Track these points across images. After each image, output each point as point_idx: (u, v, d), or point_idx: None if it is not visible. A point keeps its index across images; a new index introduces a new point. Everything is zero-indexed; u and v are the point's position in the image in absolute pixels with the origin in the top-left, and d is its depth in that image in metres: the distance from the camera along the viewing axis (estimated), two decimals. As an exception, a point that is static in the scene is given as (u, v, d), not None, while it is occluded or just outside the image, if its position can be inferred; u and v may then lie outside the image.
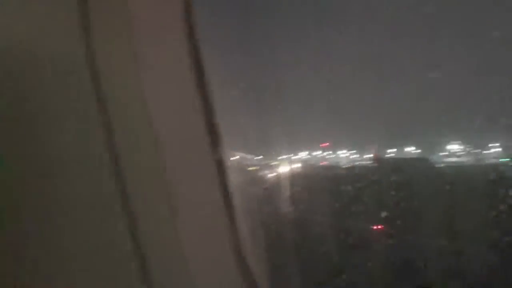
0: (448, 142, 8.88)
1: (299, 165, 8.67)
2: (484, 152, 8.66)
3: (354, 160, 8.71)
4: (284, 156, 8.06)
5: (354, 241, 5.85)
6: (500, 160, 8.18)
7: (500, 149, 8.56)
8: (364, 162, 8.12)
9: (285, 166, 8.02)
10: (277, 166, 8.04)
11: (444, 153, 8.95)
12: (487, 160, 8.39)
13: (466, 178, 6.90)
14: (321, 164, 8.82)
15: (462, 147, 8.95)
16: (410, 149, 9.32)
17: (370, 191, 6.94)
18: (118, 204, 1.17)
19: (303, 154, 8.93)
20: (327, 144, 9.06)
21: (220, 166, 1.35)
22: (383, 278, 5.21)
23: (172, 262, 1.25)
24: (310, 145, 8.83)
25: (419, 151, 9.34)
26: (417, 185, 6.68)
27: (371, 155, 7.96)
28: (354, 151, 8.64)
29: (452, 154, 8.90)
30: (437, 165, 7.93)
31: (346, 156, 8.84)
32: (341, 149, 8.94)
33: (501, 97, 7.99)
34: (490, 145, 8.51)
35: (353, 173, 8.13)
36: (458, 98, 8.49)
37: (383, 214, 6.14)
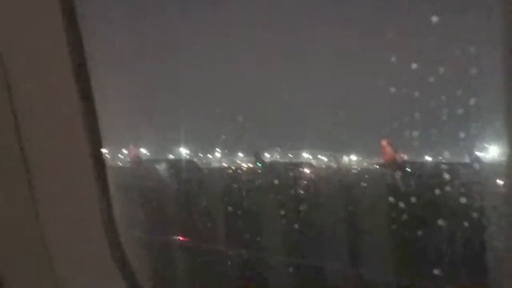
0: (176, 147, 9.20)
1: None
2: (209, 156, 9.55)
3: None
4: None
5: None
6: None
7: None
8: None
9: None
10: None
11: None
12: (214, 163, 9.28)
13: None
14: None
15: (188, 151, 9.50)
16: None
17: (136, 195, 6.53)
18: None
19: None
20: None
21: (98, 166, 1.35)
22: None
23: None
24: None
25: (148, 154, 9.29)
26: (190, 187, 6.79)
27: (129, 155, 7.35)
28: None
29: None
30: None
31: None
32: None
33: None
34: (216, 150, 9.45)
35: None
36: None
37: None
